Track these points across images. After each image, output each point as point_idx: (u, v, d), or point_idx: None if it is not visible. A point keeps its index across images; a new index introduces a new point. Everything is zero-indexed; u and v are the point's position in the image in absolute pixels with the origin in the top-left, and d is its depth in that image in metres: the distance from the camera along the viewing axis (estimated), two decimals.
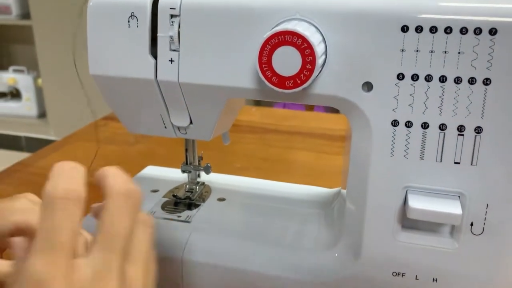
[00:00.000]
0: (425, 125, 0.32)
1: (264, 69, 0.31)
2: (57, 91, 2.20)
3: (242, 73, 0.34)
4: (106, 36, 0.37)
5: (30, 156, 0.76)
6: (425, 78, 0.31)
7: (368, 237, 0.35)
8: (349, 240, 0.37)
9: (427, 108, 0.32)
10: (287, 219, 0.44)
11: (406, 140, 0.32)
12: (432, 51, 0.30)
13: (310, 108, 1.71)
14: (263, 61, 0.31)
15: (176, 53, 0.35)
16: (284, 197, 0.48)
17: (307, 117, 1.04)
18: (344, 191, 0.42)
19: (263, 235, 0.41)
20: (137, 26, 0.36)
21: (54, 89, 2.21)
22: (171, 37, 0.35)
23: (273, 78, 0.31)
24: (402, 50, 0.31)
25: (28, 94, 2.36)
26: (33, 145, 2.34)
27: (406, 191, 0.33)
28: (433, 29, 0.30)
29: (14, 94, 2.44)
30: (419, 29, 0.30)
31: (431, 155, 0.32)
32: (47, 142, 2.21)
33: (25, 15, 2.21)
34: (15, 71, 2.32)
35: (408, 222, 0.34)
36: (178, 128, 0.40)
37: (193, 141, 0.46)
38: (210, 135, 0.40)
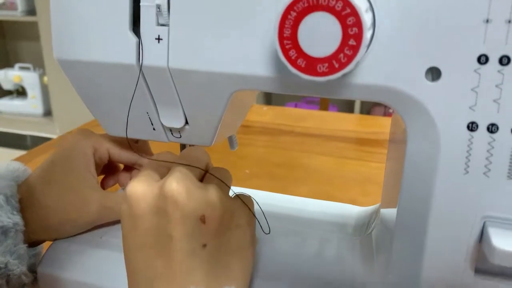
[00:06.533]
0: None
1: (287, 47, 0.22)
2: (63, 89, 2.14)
3: (256, 56, 0.25)
4: (73, 8, 0.27)
5: (15, 159, 0.67)
6: None
7: (426, 285, 0.25)
8: (398, 283, 0.27)
9: None
10: (308, 245, 0.34)
11: (488, 151, 0.23)
12: None
13: (325, 107, 1.60)
14: (285, 35, 0.22)
15: (165, 28, 0.26)
16: (303, 217, 0.38)
17: (325, 117, 0.95)
18: (386, 212, 0.33)
19: (273, 268, 0.32)
20: None
21: (60, 87, 2.15)
22: (159, 6, 0.26)
23: (298, 60, 0.22)
24: (487, 21, 0.21)
25: (33, 92, 2.30)
26: (39, 144, 2.27)
27: (485, 222, 0.24)
28: None
29: (20, 91, 2.38)
30: None
31: None
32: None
33: (31, 11, 2.15)
34: (21, 68, 2.27)
35: (485, 265, 0.24)
36: (171, 130, 0.31)
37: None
38: (211, 139, 0.31)
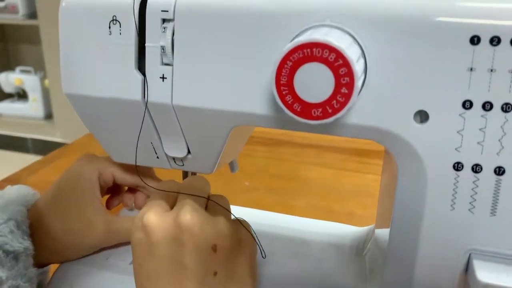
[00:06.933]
0: (499, 171, 0.24)
1: (283, 93, 0.23)
2: None
3: (254, 96, 0.26)
4: (82, 46, 0.29)
5: (19, 171, 0.69)
6: (502, 108, 0.23)
7: None
8: None
9: (503, 147, 0.23)
10: (305, 266, 0.36)
11: (472, 189, 0.24)
12: None
13: None
14: (281, 82, 0.23)
15: (169, 68, 0.27)
16: (301, 238, 0.39)
17: None
18: (380, 234, 0.34)
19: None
20: (120, 34, 0.28)
21: (61, 90, 2.14)
22: (163, 47, 0.27)
23: (294, 105, 0.23)
24: (471, 69, 0.23)
25: (34, 95, 2.31)
26: (39, 147, 2.29)
27: (470, 255, 0.25)
28: None
29: (21, 94, 2.39)
30: (495, 40, 0.22)
31: (507, 210, 0.24)
32: (53, 144, 2.15)
33: (32, 14, 2.16)
34: (22, 71, 2.28)
35: None
36: (174, 159, 0.32)
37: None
38: (212, 167, 0.32)
